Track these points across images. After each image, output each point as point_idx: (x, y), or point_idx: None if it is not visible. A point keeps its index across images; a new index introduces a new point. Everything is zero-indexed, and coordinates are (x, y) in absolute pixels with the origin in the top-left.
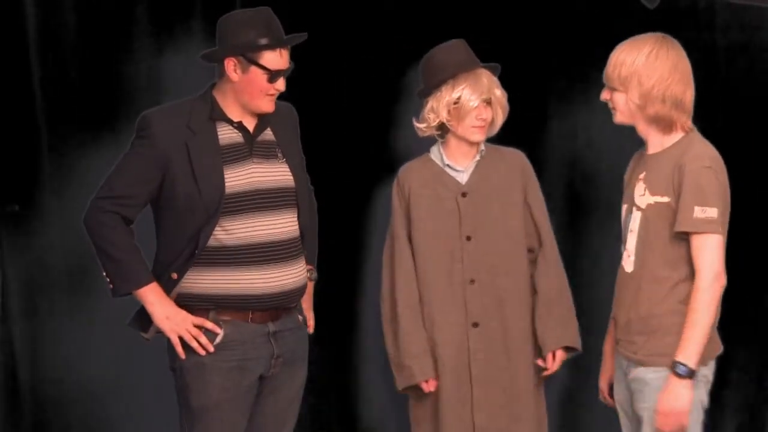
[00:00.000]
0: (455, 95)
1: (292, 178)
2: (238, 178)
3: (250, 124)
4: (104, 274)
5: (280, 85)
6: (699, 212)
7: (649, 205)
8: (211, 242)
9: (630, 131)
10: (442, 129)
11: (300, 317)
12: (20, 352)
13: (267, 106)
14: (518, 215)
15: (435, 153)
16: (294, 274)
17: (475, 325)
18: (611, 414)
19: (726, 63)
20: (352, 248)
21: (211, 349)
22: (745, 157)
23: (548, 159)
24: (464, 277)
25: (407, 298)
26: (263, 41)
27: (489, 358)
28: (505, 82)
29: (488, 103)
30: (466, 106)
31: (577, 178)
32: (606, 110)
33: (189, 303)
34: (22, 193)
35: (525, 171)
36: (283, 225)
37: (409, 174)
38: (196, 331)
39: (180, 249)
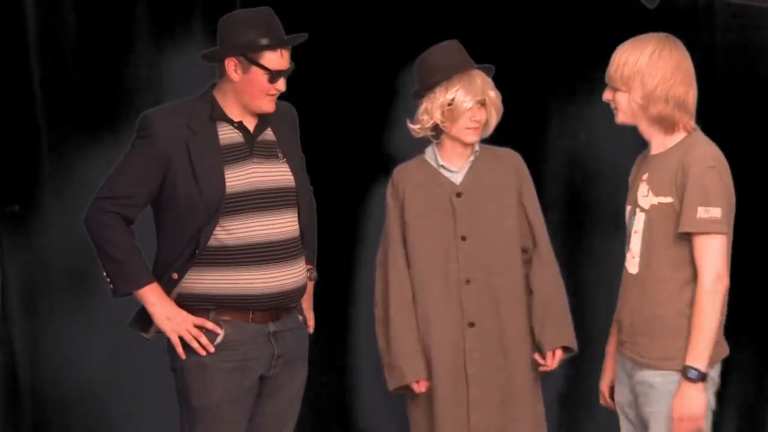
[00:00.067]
0: (449, 97)
1: (292, 178)
2: (239, 178)
3: (251, 124)
4: (105, 274)
5: (281, 85)
6: (702, 212)
7: (652, 206)
8: (212, 242)
9: (630, 131)
10: (437, 130)
11: (300, 317)
12: (20, 352)
13: (267, 106)
14: (513, 215)
15: (429, 154)
16: (294, 274)
17: (471, 324)
18: (611, 415)
19: (726, 63)
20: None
21: (212, 349)
22: (746, 157)
23: (548, 159)
24: (460, 277)
25: (400, 299)
26: (264, 41)
27: (485, 357)
28: (505, 82)
29: (482, 104)
30: (459, 108)
31: (577, 178)
32: (606, 110)
33: (189, 303)
34: (22, 193)
35: (519, 171)
36: (283, 225)
37: (403, 174)
38: (196, 332)
39: (180, 249)
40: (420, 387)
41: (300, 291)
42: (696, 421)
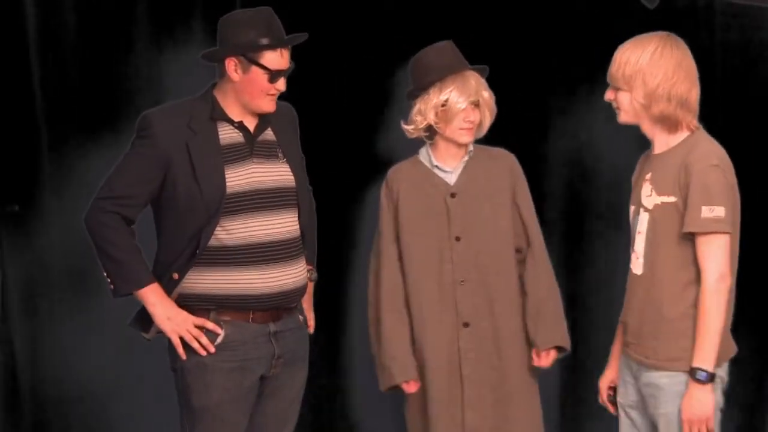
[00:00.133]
0: (443, 97)
1: (292, 178)
2: (239, 178)
3: (251, 124)
4: (105, 274)
5: (281, 84)
6: (707, 212)
7: (656, 206)
8: (212, 242)
9: (631, 131)
10: (430, 131)
11: (301, 317)
12: (20, 352)
13: (268, 105)
14: (507, 215)
15: (423, 154)
16: (294, 274)
17: (466, 325)
18: (611, 415)
19: (725, 63)
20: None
21: (212, 349)
22: (746, 157)
23: (548, 159)
24: (454, 277)
25: (390, 301)
26: (264, 41)
27: (480, 357)
28: (506, 82)
29: (476, 105)
30: (453, 109)
31: (578, 178)
32: (607, 110)
33: (190, 303)
34: (22, 193)
35: (513, 171)
36: (283, 225)
37: (398, 175)
38: (197, 332)
39: (181, 249)
40: (409, 387)
41: (300, 291)
42: (705, 422)
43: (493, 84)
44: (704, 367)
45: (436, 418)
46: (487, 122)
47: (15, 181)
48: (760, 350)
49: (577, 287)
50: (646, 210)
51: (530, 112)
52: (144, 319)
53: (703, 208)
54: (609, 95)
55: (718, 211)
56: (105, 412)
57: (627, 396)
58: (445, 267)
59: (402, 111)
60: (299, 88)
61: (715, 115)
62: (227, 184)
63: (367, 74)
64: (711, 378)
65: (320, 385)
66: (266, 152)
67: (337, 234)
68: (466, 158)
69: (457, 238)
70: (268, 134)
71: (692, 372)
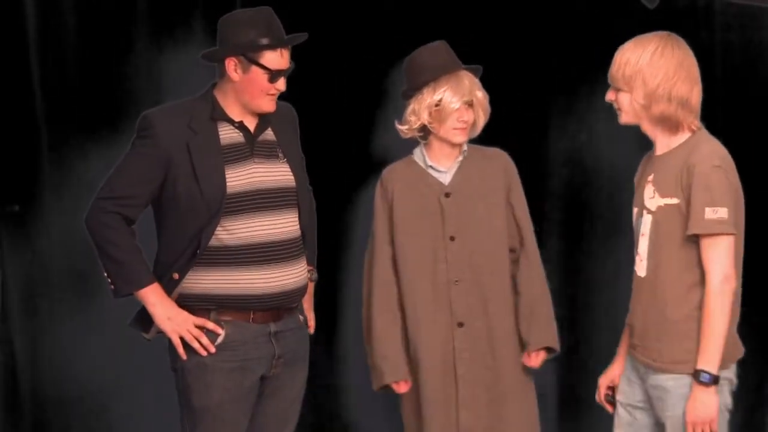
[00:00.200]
0: (436, 97)
1: (293, 178)
2: (240, 178)
3: (251, 124)
4: (105, 274)
5: (281, 84)
6: (710, 213)
7: (659, 208)
8: (213, 242)
9: (631, 131)
10: (424, 131)
11: (301, 317)
12: (20, 352)
13: (268, 105)
14: (501, 215)
15: (418, 154)
16: (295, 274)
17: (460, 324)
18: (611, 416)
19: (726, 63)
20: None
21: (213, 349)
22: (746, 157)
23: (549, 159)
24: (449, 277)
25: (382, 301)
26: (264, 41)
27: (474, 357)
28: (506, 82)
29: (470, 105)
30: (447, 108)
31: (578, 178)
32: (607, 110)
33: (190, 303)
34: (22, 193)
35: (508, 170)
36: (284, 225)
37: (392, 175)
38: (197, 332)
39: (181, 249)
40: (399, 387)
41: (301, 291)
42: (709, 424)
43: (493, 84)
44: (708, 370)
45: (430, 418)
46: (481, 122)
47: (15, 181)
48: (760, 351)
49: (578, 287)
50: (649, 212)
51: (530, 112)
52: (144, 319)
53: (707, 209)
54: (610, 96)
55: (722, 212)
56: (105, 412)
57: (632, 396)
58: (439, 267)
59: (398, 111)
60: (299, 88)
61: (715, 115)
62: (228, 184)
63: (367, 74)
64: (714, 380)
65: (315, 384)
66: (267, 152)
67: (332, 234)
68: (461, 158)
69: (452, 238)
70: (269, 134)
71: (696, 374)
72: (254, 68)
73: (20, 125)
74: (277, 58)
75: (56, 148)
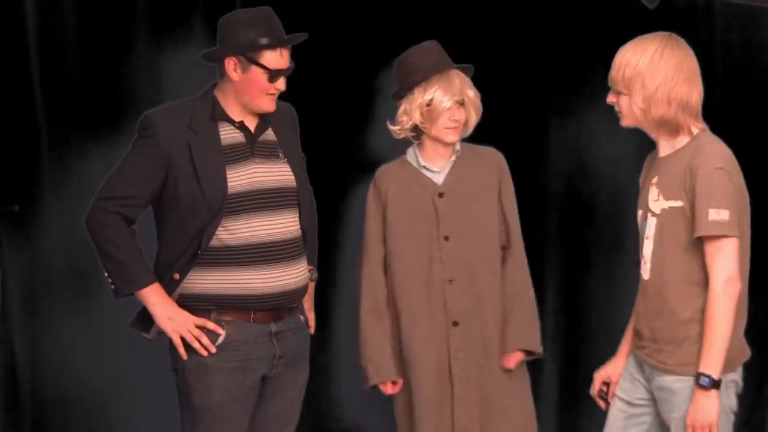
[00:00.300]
0: (427, 97)
1: (293, 178)
2: (240, 178)
3: (252, 124)
4: (106, 274)
5: (281, 84)
6: (714, 215)
7: (663, 210)
8: (213, 242)
9: (632, 131)
10: (417, 131)
11: (302, 317)
12: (20, 352)
13: (268, 105)
14: (494, 214)
15: (411, 155)
16: (295, 274)
17: (455, 324)
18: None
19: (726, 63)
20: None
21: (213, 350)
22: (746, 157)
23: (549, 159)
24: (443, 277)
25: (369, 301)
26: (264, 41)
27: (469, 356)
28: (506, 82)
29: (461, 104)
30: (438, 108)
31: (578, 178)
32: (608, 110)
33: (191, 303)
34: (22, 193)
35: (500, 169)
36: (284, 225)
37: (386, 176)
38: (198, 332)
39: (182, 249)
40: (386, 389)
41: (301, 291)
42: (708, 427)
43: (493, 84)
44: (708, 373)
45: (424, 419)
46: (473, 121)
47: (15, 181)
48: (759, 351)
49: (579, 287)
50: (654, 215)
51: (530, 112)
52: (145, 319)
53: (711, 211)
54: (611, 99)
55: (724, 214)
56: (105, 412)
57: (633, 393)
58: (434, 267)
59: (394, 111)
60: (298, 88)
61: (716, 115)
62: (228, 184)
63: (368, 74)
64: (715, 384)
65: (315, 384)
66: (267, 152)
67: (325, 233)
68: (454, 158)
69: (446, 238)
70: (269, 134)
71: (696, 378)
72: (254, 68)
73: (20, 125)
74: (277, 58)
75: (56, 148)
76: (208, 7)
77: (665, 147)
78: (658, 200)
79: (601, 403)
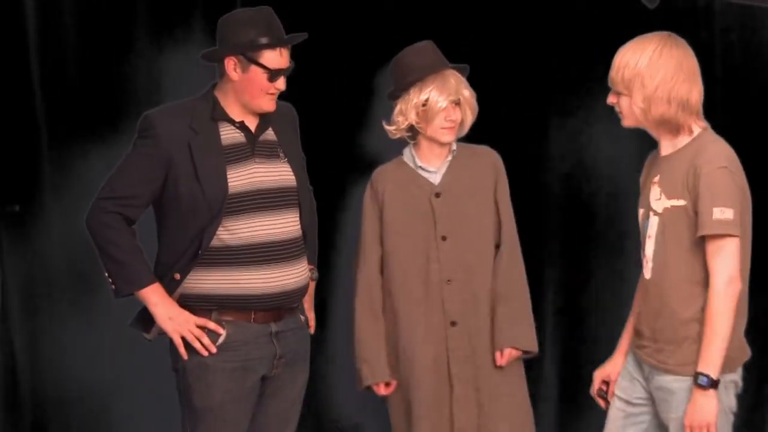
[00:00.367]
0: (423, 97)
1: (293, 178)
2: (241, 178)
3: (252, 124)
4: (106, 274)
5: (281, 84)
6: (719, 213)
7: (665, 209)
8: (214, 242)
9: (632, 131)
10: (412, 131)
11: (302, 317)
12: (20, 352)
13: (268, 105)
14: (491, 213)
15: (407, 155)
16: (295, 274)
17: (453, 323)
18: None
19: (726, 63)
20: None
21: (214, 350)
22: (746, 157)
23: (549, 159)
24: (441, 277)
25: (364, 302)
26: (263, 40)
27: (467, 356)
28: (505, 82)
29: (457, 103)
30: (434, 108)
31: (578, 178)
32: (608, 110)
33: (191, 303)
34: (22, 193)
35: (496, 167)
36: (285, 225)
37: (382, 176)
38: (198, 332)
39: (183, 249)
40: (380, 389)
41: (302, 291)
42: (706, 427)
43: (493, 84)
44: (706, 373)
45: (422, 418)
46: (469, 121)
47: (15, 181)
48: (759, 351)
49: (579, 286)
50: (656, 214)
51: (530, 112)
52: (145, 319)
53: (715, 210)
54: (611, 99)
55: (728, 213)
56: (105, 412)
57: (632, 392)
58: (431, 267)
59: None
60: (298, 88)
61: (716, 115)
62: (229, 184)
63: (368, 74)
64: (713, 384)
65: (314, 384)
66: (268, 152)
67: (322, 234)
68: (450, 158)
69: (443, 238)
70: (270, 134)
71: (695, 377)
72: (253, 68)
73: (20, 125)
74: (277, 58)
75: (56, 148)
76: (208, 7)
77: (667, 146)
78: (660, 199)
79: (601, 402)
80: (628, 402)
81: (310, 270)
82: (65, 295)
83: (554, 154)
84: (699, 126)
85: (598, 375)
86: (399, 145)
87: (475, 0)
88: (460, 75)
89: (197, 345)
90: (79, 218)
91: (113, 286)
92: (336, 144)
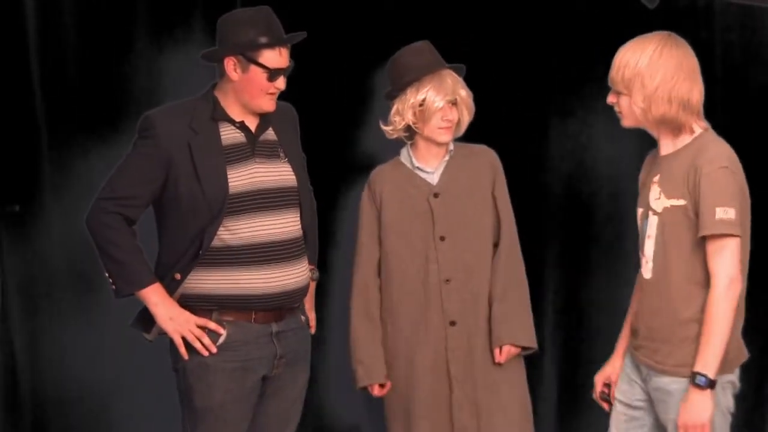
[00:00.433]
0: (420, 97)
1: (294, 177)
2: (241, 178)
3: (252, 124)
4: (107, 275)
5: (281, 83)
6: (721, 213)
7: (665, 209)
8: (215, 242)
9: (632, 131)
10: (410, 131)
11: (303, 317)
12: (20, 352)
13: (268, 105)
14: (489, 212)
15: (404, 155)
16: (296, 274)
17: (453, 323)
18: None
19: (726, 63)
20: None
21: (214, 350)
22: (746, 157)
23: (549, 159)
24: (440, 277)
25: (360, 303)
26: (262, 40)
27: (467, 355)
28: (505, 82)
29: (453, 103)
30: (431, 108)
31: (579, 178)
32: (608, 110)
33: (192, 304)
34: (22, 193)
35: (494, 166)
36: (285, 225)
37: (380, 177)
38: (199, 332)
39: (183, 250)
40: (374, 390)
41: (302, 291)
42: (701, 428)
43: (492, 84)
44: (705, 373)
45: (422, 418)
46: (466, 121)
47: (15, 181)
48: (759, 351)
49: (579, 286)
50: (655, 213)
51: (530, 112)
52: (145, 319)
53: (717, 209)
54: (611, 99)
55: (731, 213)
56: (105, 412)
57: (632, 395)
58: (430, 267)
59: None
60: (297, 88)
61: (716, 115)
62: (229, 184)
63: (368, 74)
64: (711, 384)
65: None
66: (268, 152)
67: (320, 234)
68: (447, 157)
69: (442, 238)
70: (270, 134)
71: (692, 377)
72: (253, 67)
73: (20, 125)
74: (276, 57)
75: (56, 148)
76: (208, 7)
77: (667, 145)
78: (659, 198)
79: (605, 405)
80: (628, 405)
81: (311, 270)
82: (65, 295)
83: (554, 154)
84: (700, 126)
85: (599, 378)
86: (396, 145)
87: (474, 0)
88: (456, 75)
89: (198, 345)
90: (79, 218)
91: (113, 287)
92: (333, 144)
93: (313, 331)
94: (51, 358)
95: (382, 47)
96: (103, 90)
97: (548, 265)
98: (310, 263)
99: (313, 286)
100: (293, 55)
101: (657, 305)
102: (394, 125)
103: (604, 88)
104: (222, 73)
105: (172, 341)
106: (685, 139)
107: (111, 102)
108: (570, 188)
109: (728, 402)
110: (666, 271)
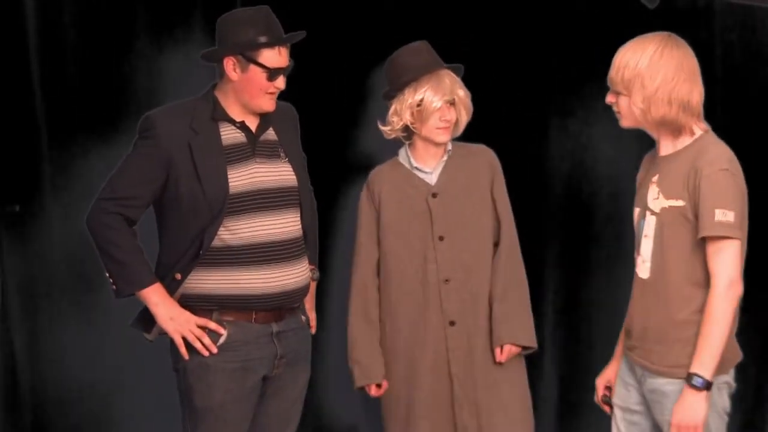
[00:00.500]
0: (418, 97)
1: (294, 177)
2: (242, 178)
3: (253, 124)
4: (107, 275)
5: (280, 83)
6: (721, 215)
7: (663, 209)
8: (215, 242)
9: (632, 131)
10: (408, 131)
11: (303, 317)
12: (20, 352)
13: (267, 104)
14: (488, 211)
15: (403, 156)
16: (296, 274)
17: (452, 323)
18: (609, 418)
19: (726, 63)
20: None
21: (215, 350)
22: (746, 157)
23: (549, 159)
24: (439, 277)
25: (358, 304)
26: (262, 39)
27: (467, 355)
28: (505, 82)
29: (451, 103)
30: (429, 108)
31: (579, 178)
32: (607, 110)
33: (192, 304)
34: (22, 193)
35: (492, 165)
36: (285, 225)
37: (379, 178)
38: (199, 332)
39: (184, 250)
40: (371, 390)
41: (303, 291)
42: (694, 429)
43: (493, 84)
44: (701, 374)
45: (422, 418)
46: (464, 121)
47: (15, 181)
48: (759, 351)
49: (579, 287)
50: (653, 213)
51: (530, 112)
52: (146, 319)
53: (717, 211)
54: (609, 99)
55: (730, 215)
56: (106, 412)
57: (628, 399)
58: (429, 267)
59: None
60: (297, 87)
61: (715, 115)
62: (230, 184)
63: (367, 74)
64: (707, 385)
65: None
66: (268, 152)
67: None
68: (445, 157)
69: (441, 238)
70: (270, 134)
71: (688, 377)
72: (252, 67)
73: (20, 125)
74: (276, 57)
75: (56, 148)
76: (208, 7)
77: (667, 146)
78: (657, 199)
79: (607, 409)
80: (626, 410)
81: (311, 270)
82: (65, 295)
83: (554, 154)
84: (700, 128)
85: (600, 381)
86: (394, 145)
87: (474, 0)
88: (454, 75)
89: (198, 345)
90: (79, 218)
91: (114, 287)
92: (333, 144)
93: (313, 331)
94: (51, 358)
95: (382, 47)
96: (103, 90)
97: (548, 265)
98: (310, 263)
99: (313, 286)
100: (293, 55)
101: (653, 305)
102: (392, 125)
103: (604, 88)
104: (222, 73)
105: (172, 341)
106: (685, 141)
107: (111, 102)
108: (570, 188)
109: (724, 403)
110: (664, 271)
